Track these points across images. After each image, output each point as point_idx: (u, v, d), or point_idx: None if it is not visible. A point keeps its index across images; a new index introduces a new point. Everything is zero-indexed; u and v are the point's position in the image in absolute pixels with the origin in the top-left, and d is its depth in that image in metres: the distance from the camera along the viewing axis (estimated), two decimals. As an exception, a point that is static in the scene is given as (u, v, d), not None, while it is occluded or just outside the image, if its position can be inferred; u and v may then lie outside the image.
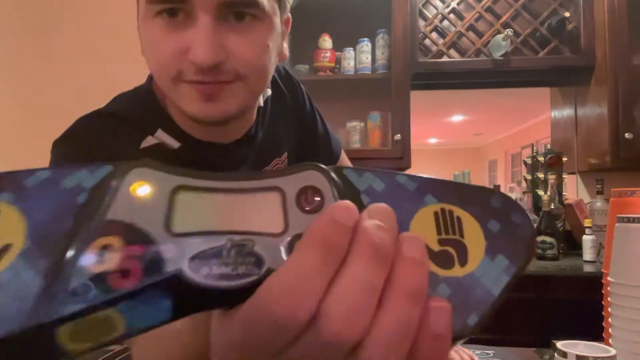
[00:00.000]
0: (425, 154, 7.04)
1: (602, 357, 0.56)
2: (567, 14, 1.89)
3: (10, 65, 2.04)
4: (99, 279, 0.18)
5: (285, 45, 0.58)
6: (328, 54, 2.04)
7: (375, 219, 0.19)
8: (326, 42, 2.05)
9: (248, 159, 0.64)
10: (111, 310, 0.18)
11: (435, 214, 0.21)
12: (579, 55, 1.91)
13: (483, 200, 0.22)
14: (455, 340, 0.19)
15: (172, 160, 0.56)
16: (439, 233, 0.21)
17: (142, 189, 0.20)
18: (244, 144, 0.63)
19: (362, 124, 2.06)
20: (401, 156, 1.89)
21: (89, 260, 0.18)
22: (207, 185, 0.20)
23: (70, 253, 0.18)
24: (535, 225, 1.77)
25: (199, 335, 0.36)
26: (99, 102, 0.59)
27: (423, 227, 0.21)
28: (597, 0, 1.87)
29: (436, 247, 0.21)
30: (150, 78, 0.60)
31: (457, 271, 0.20)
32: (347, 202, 0.19)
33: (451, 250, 0.21)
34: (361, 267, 0.18)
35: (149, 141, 0.56)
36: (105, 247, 0.18)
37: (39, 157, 0.54)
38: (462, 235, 0.21)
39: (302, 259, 0.18)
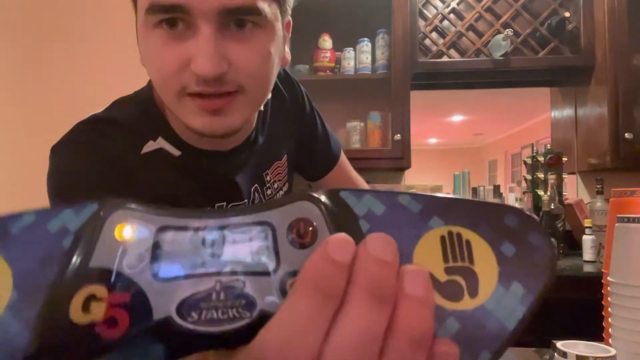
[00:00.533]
0: (425, 154, 7.04)
1: (602, 357, 0.56)
2: (567, 14, 1.89)
3: (11, 67, 2.04)
4: (85, 330, 0.17)
5: (287, 49, 0.57)
6: (328, 54, 2.04)
7: (374, 253, 0.17)
8: (326, 42, 2.05)
9: (249, 164, 0.64)
10: None
11: (442, 238, 0.19)
12: (579, 55, 1.91)
13: (496, 220, 0.20)
14: None
15: (173, 166, 0.56)
16: (446, 261, 0.19)
17: (126, 232, 0.19)
18: (244, 150, 0.63)
19: (362, 124, 2.06)
20: (401, 156, 1.89)
21: (74, 312, 0.17)
22: (192, 225, 0.19)
23: (55, 304, 0.18)
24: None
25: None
26: (100, 105, 0.58)
27: (428, 254, 0.19)
28: (597, 0, 1.87)
29: (443, 277, 0.19)
30: (150, 83, 0.60)
31: (467, 303, 0.19)
32: (342, 236, 0.18)
33: (460, 279, 0.19)
34: (360, 313, 0.17)
35: (149, 146, 0.55)
36: (90, 297, 0.18)
37: (40, 160, 0.54)
38: (471, 262, 0.19)
39: (296, 307, 0.17)
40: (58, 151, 0.53)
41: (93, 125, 0.55)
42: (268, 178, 0.69)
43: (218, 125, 0.49)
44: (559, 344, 0.60)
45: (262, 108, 0.66)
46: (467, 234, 0.19)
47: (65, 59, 2.02)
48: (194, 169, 0.58)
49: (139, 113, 0.57)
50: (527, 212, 0.20)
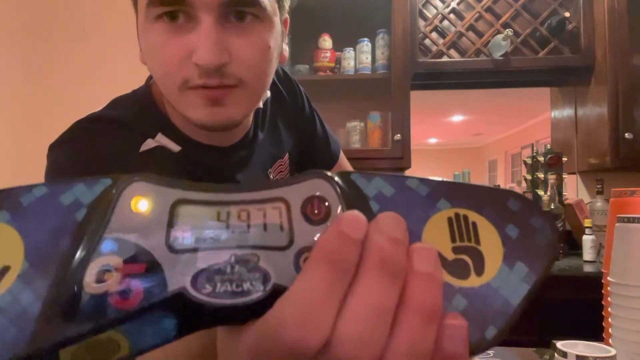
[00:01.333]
0: (425, 154, 7.04)
1: (602, 357, 0.56)
2: (567, 14, 1.89)
3: (12, 67, 2.04)
4: (99, 300, 0.17)
5: (285, 46, 0.57)
6: (328, 54, 2.04)
7: (385, 230, 0.18)
8: (326, 42, 2.05)
9: (250, 161, 0.64)
10: (113, 332, 0.17)
11: (449, 219, 0.20)
12: (579, 55, 1.91)
13: (500, 204, 0.20)
14: (472, 354, 0.19)
15: (173, 163, 0.56)
16: (453, 240, 0.20)
17: (141, 204, 0.19)
18: (244, 146, 0.63)
19: (362, 124, 2.06)
20: (401, 156, 1.89)
21: (88, 282, 0.17)
22: (208, 199, 0.20)
23: (68, 274, 0.17)
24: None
25: (205, 340, 0.35)
26: (102, 104, 0.58)
27: (436, 234, 0.20)
28: (597, 0, 1.87)
29: (450, 256, 0.20)
30: (148, 80, 0.60)
31: (474, 281, 0.19)
32: (355, 213, 0.18)
33: (467, 258, 0.20)
34: (372, 286, 0.17)
35: (148, 144, 0.55)
36: (104, 267, 0.18)
37: (41, 159, 0.54)
38: (478, 242, 0.20)
39: (311, 280, 0.17)
40: (56, 150, 0.53)
41: (91, 123, 0.54)
42: (271, 177, 0.69)
43: (219, 117, 0.49)
44: (559, 344, 0.60)
45: (260, 105, 0.66)
46: (473, 216, 0.20)
47: (67, 58, 2.02)
48: (193, 165, 0.57)
49: (138, 111, 0.57)
50: (528, 197, 0.21)
